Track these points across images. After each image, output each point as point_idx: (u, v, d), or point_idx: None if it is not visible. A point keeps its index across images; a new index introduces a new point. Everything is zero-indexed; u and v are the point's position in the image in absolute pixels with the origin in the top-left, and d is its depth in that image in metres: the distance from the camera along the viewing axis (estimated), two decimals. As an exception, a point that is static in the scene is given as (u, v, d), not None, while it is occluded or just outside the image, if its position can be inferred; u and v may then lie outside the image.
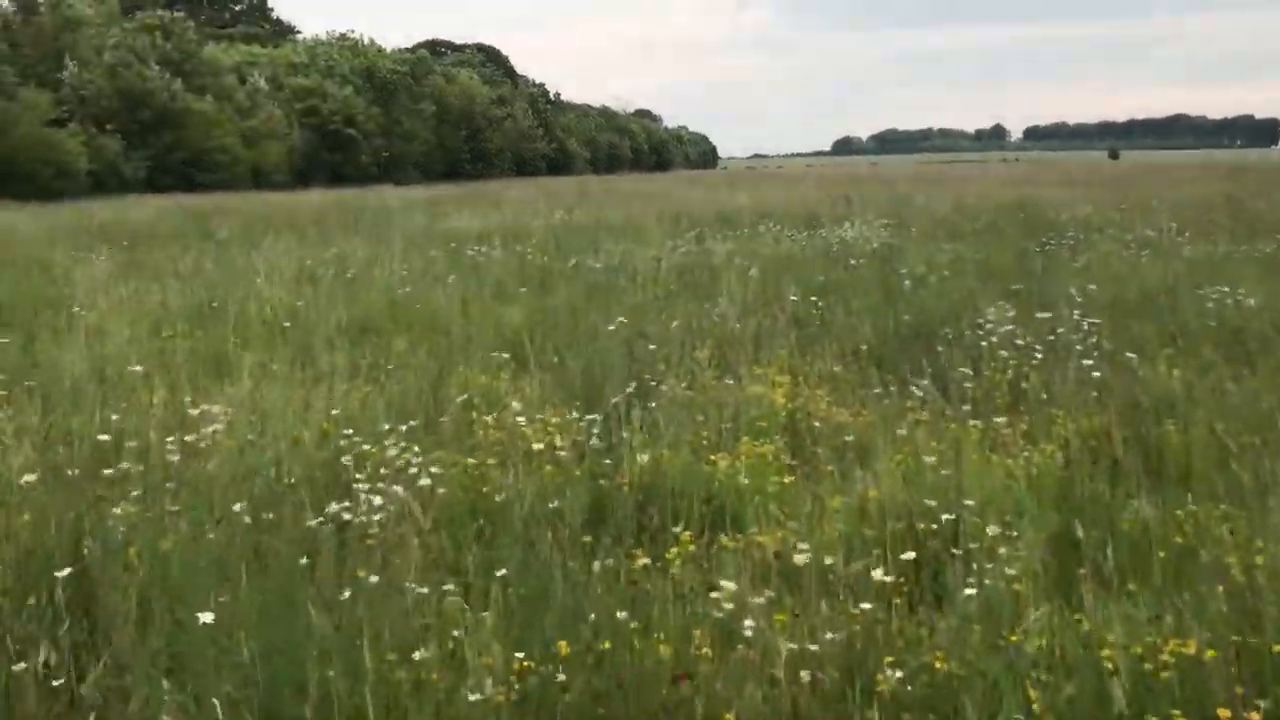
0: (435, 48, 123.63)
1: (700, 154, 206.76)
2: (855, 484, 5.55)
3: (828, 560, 4.39)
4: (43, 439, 5.82)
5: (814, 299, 10.63)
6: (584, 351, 8.19)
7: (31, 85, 53.67)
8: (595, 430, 6.09)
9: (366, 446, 5.70)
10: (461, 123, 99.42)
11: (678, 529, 4.93)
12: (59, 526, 4.25)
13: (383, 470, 5.04)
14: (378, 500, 4.77)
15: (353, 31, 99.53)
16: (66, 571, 3.81)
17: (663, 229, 20.27)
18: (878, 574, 4.11)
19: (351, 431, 5.96)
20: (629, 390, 6.58)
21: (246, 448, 5.58)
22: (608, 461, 5.31)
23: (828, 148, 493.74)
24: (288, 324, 9.92)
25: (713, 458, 5.91)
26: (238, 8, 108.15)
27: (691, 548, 4.75)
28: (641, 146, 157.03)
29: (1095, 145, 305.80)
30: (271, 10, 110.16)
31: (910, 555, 4.41)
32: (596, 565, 4.52)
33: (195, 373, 8.42)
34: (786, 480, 5.65)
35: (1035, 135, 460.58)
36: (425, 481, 4.88)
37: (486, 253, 16.16)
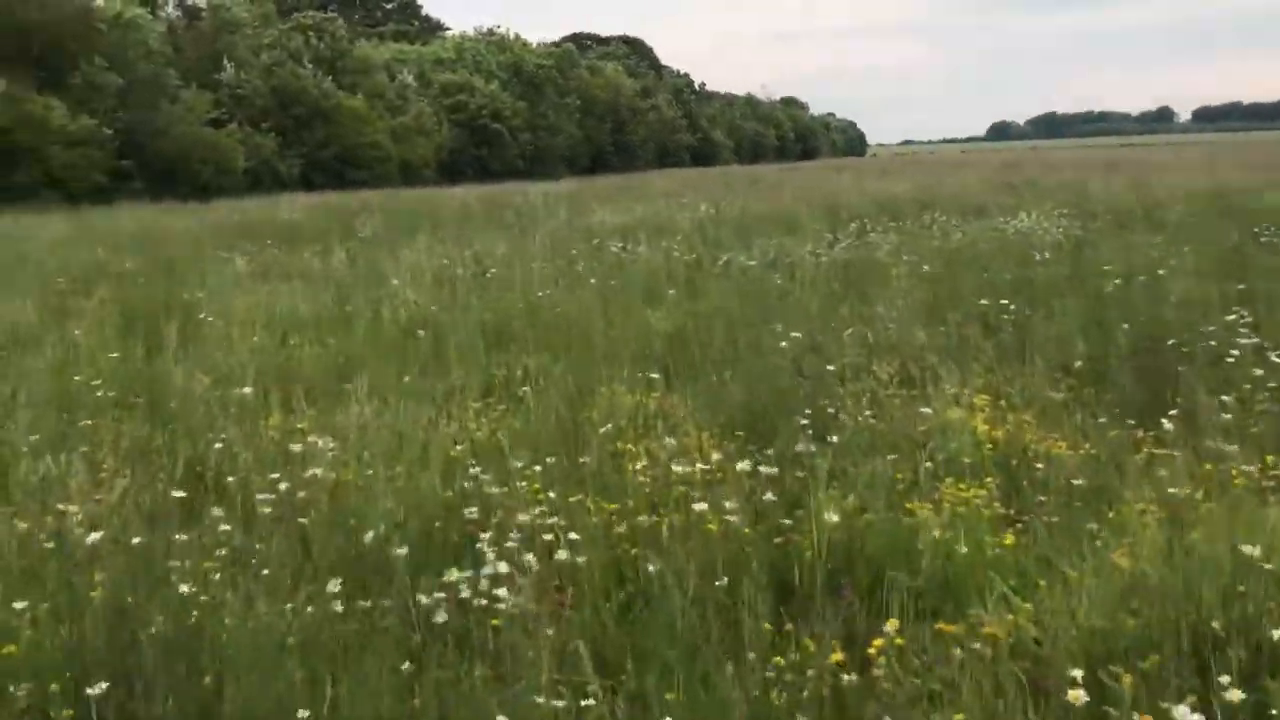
0: (580, 41, 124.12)
1: (848, 141, 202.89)
2: (1097, 542, 4.38)
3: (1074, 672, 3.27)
4: (130, 476, 5.09)
5: (1003, 301, 9.33)
6: (744, 367, 7.14)
7: (192, 87, 55.29)
8: (765, 466, 5.05)
9: (495, 489, 4.79)
10: (606, 115, 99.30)
11: (879, 605, 3.87)
12: (109, 618, 3.43)
13: (513, 533, 4.09)
14: (503, 567, 3.85)
15: (499, 27, 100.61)
16: (103, 687, 2.98)
17: (818, 221, 19.03)
18: (1180, 711, 2.96)
19: (479, 469, 5.06)
20: (802, 421, 5.52)
21: (356, 492, 4.72)
22: (787, 522, 4.26)
23: (982, 133, 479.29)
24: (420, 332, 9.15)
25: (911, 505, 4.81)
26: (388, 6, 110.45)
27: (900, 641, 3.67)
28: (787, 135, 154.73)
29: (1274, 126, 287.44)
30: (421, 7, 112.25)
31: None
32: (781, 661, 3.51)
33: (317, 388, 7.70)
34: (1007, 540, 4.51)
35: (1206, 116, 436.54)
36: (563, 554, 3.93)
37: (631, 249, 15.25)
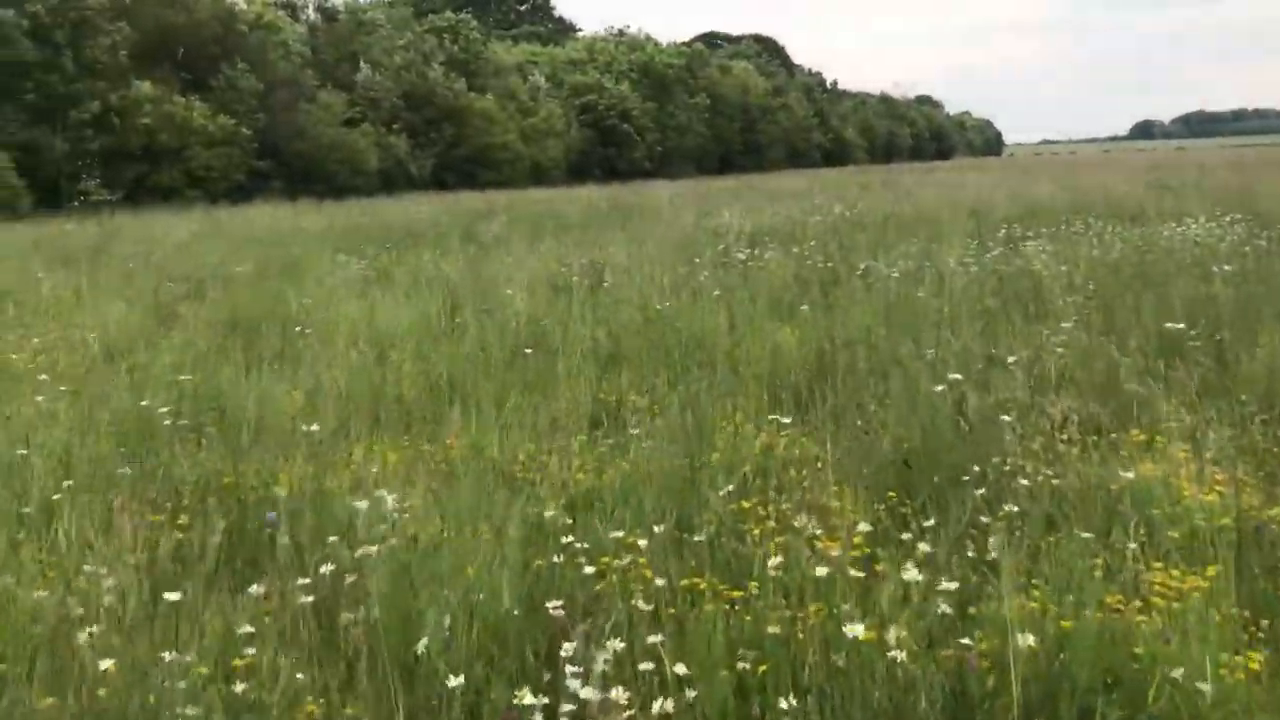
0: (711, 41, 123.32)
1: (984, 140, 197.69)
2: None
3: None
4: (174, 540, 4.37)
5: (1182, 325, 8.06)
6: (894, 404, 6.12)
7: (329, 88, 56.22)
8: (925, 541, 4.06)
9: (589, 568, 3.92)
10: (736, 115, 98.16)
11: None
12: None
13: (608, 644, 3.19)
14: (589, 693, 2.97)
15: (630, 27, 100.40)
16: None
17: (962, 225, 17.71)
18: None
19: (573, 539, 4.20)
20: (975, 486, 4.51)
21: (420, 569, 3.89)
22: (965, 641, 3.26)
23: (1124, 132, 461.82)
24: (528, 350, 8.36)
25: (1113, 599, 3.78)
26: (522, 7, 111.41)
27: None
28: (922, 134, 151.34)
29: None
30: (554, 9, 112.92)
31: None
32: None
33: (412, 412, 6.97)
34: (1252, 664, 3.44)
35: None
36: (679, 668, 3.03)
37: (759, 255, 14.25)
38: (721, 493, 4.62)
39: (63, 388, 7.20)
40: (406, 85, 64.05)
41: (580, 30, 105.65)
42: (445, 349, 8.67)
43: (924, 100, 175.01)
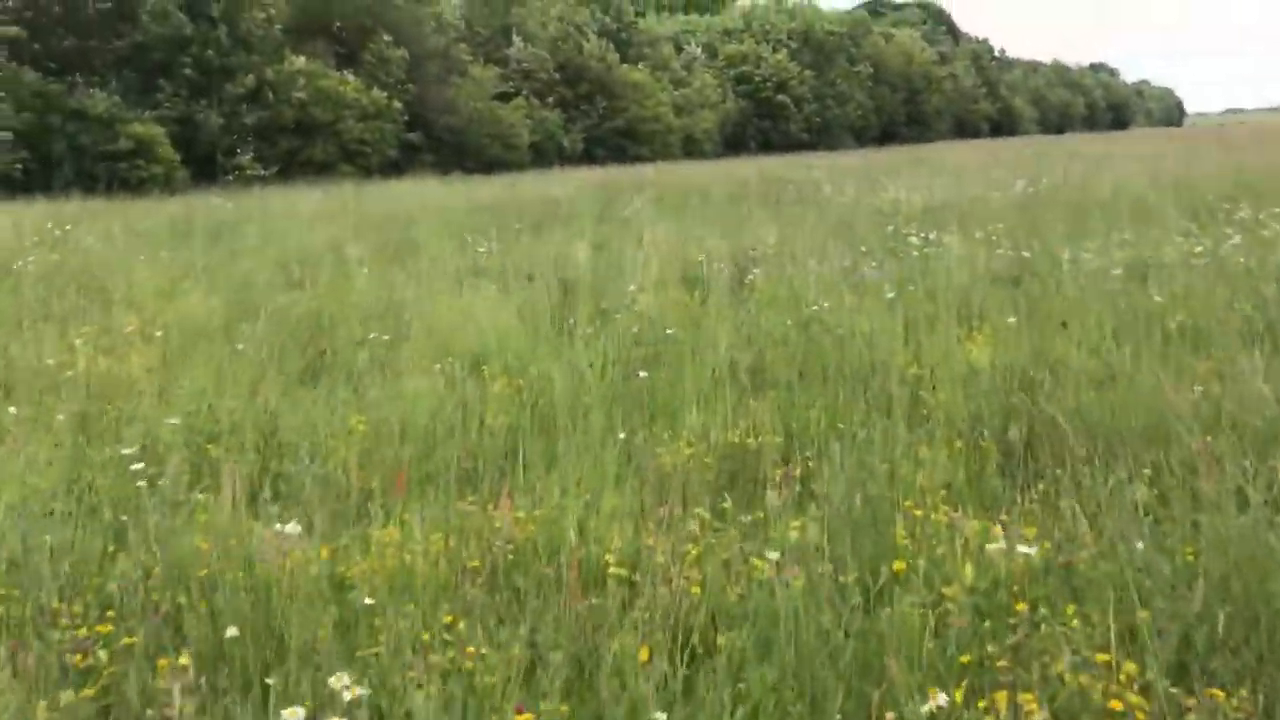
0: (875, 8, 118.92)
1: (1164, 110, 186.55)
2: None
3: None
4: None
5: None
6: (1176, 500, 4.13)
7: (480, 62, 55.51)
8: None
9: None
10: (899, 84, 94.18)
11: None
12: None
13: None
14: None
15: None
16: None
17: (1170, 205, 15.15)
18: None
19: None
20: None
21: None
22: None
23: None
24: (643, 373, 6.60)
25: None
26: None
27: None
28: (1097, 103, 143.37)
29: None
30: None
31: None
32: None
33: (486, 459, 5.34)
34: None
35: None
36: None
37: (935, 240, 12.15)
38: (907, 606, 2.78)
39: (61, 415, 5.80)
40: (560, 58, 62.93)
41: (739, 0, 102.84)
42: (548, 362, 6.99)
43: (1099, 68, 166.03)
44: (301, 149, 45.65)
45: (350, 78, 47.54)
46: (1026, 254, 10.35)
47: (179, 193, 36.02)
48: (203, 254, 14.16)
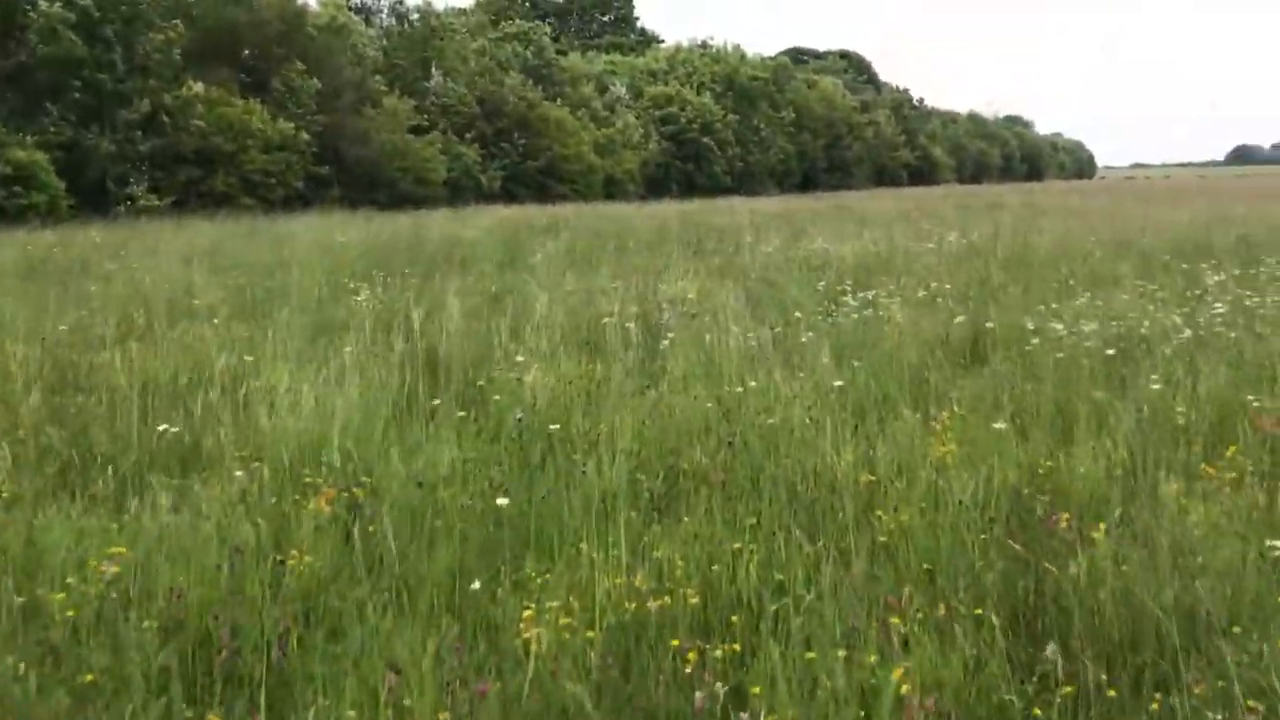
0: (796, 56, 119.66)
1: (1075, 162, 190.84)
2: None
3: None
4: None
5: None
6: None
7: (394, 94, 53.69)
8: None
9: None
10: (821, 131, 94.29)
11: None
12: None
13: None
14: None
15: (714, 38, 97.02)
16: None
17: (1123, 264, 14.00)
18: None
19: None
20: None
21: None
22: None
23: (1221, 157, 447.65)
24: (502, 500, 4.94)
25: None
26: (604, 19, 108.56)
27: None
28: (1013, 154, 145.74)
29: None
30: (637, 20, 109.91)
31: None
32: None
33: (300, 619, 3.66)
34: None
35: None
36: None
37: (875, 302, 10.73)
38: None
39: None
40: (480, 93, 61.33)
41: (663, 42, 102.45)
42: (388, 467, 5.31)
43: (1013, 120, 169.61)
44: (201, 180, 43.28)
45: (256, 106, 45.37)
46: (990, 324, 8.94)
47: (63, 223, 33.51)
48: (36, 297, 12.22)
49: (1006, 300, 10.42)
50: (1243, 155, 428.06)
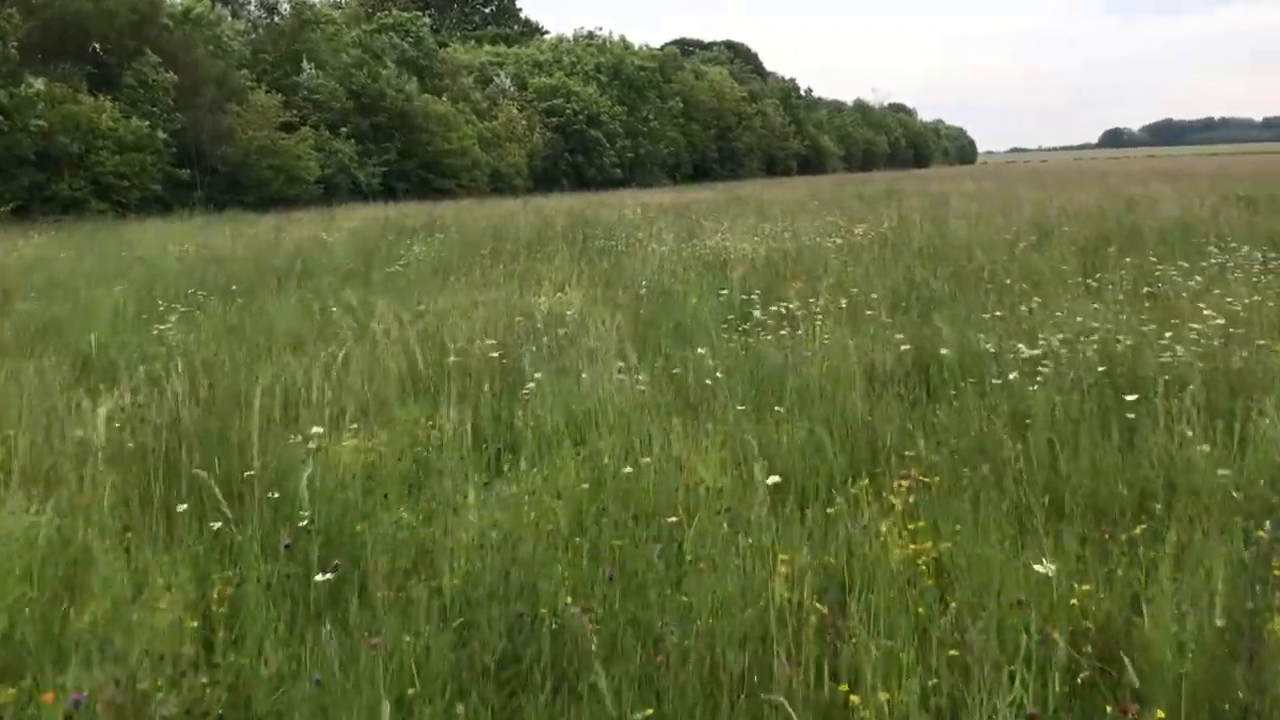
0: (683, 47, 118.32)
1: (958, 148, 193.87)
2: None
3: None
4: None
5: None
6: None
7: (262, 89, 50.45)
8: None
9: None
10: (711, 121, 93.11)
11: None
12: None
13: None
14: None
15: (600, 29, 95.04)
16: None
17: (1054, 255, 12.45)
18: None
19: None
20: None
21: None
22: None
23: (1094, 140, 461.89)
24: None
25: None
26: (486, 10, 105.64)
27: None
28: (899, 142, 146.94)
29: None
30: (520, 10, 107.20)
31: None
32: None
33: None
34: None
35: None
36: None
37: (792, 315, 8.88)
38: None
39: None
40: (354, 86, 58.26)
41: (547, 34, 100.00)
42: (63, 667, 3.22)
43: (898, 108, 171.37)
44: (45, 184, 39.76)
45: (106, 103, 41.91)
46: (926, 339, 7.15)
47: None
48: None
49: (944, 306, 8.68)
50: (1113, 138, 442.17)
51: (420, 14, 69.66)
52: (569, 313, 9.11)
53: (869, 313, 8.54)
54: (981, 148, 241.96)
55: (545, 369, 6.72)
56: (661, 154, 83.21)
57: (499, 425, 5.79)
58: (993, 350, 6.67)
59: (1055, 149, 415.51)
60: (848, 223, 19.70)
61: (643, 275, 12.12)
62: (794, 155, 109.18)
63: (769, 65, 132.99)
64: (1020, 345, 6.76)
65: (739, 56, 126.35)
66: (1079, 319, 7.80)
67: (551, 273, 13.59)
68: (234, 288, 12.24)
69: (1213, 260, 11.62)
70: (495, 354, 7.34)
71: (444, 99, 63.43)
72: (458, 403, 5.89)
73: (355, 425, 5.58)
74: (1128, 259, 11.64)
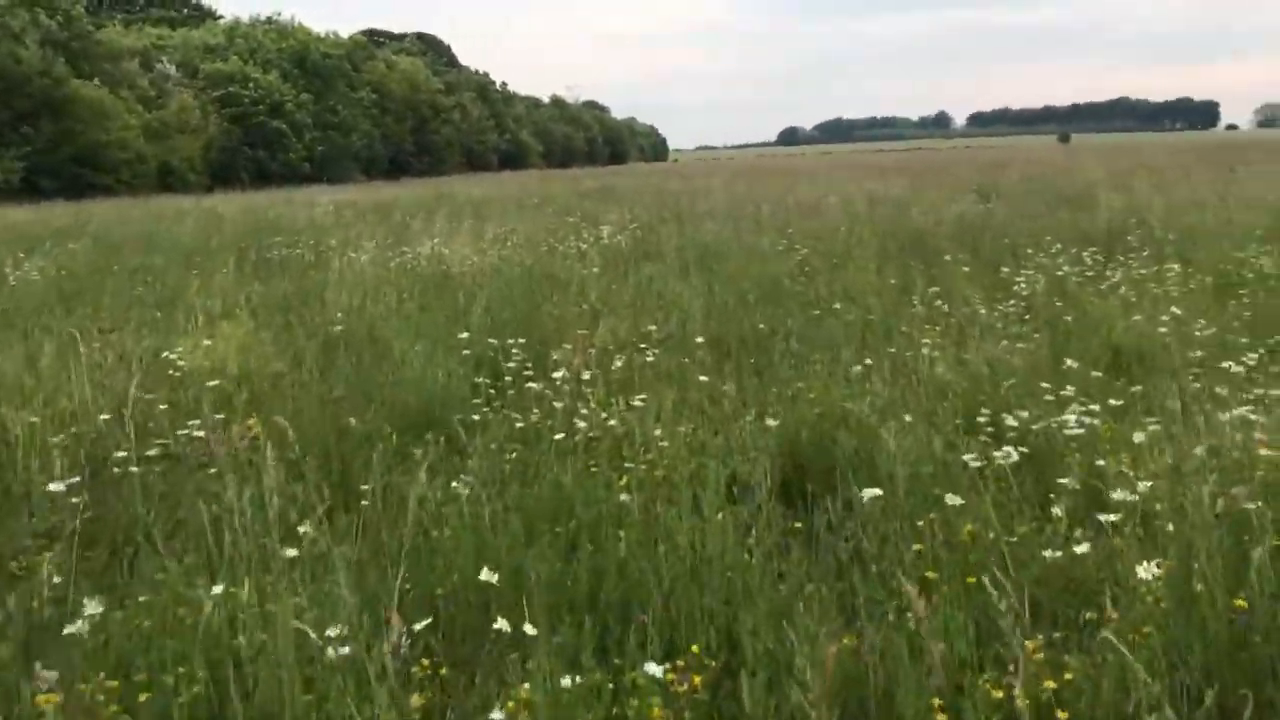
0: (373, 37, 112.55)
1: (653, 146, 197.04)
2: None
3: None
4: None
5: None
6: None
7: None
8: None
9: None
10: (406, 113, 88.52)
11: None
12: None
13: None
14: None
15: (280, 14, 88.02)
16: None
17: (867, 278, 10.09)
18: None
19: None
20: None
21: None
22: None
23: (773, 138, 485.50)
24: None
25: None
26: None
27: None
28: (596, 139, 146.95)
29: (1038, 130, 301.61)
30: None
31: None
32: None
33: None
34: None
35: (979, 121, 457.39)
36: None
37: (564, 386, 5.86)
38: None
39: None
40: (-12, 68, 50.15)
41: (220, 18, 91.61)
42: None
43: (593, 105, 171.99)
44: None
45: None
46: (733, 399, 4.32)
47: None
48: None
49: (784, 350, 5.96)
50: (789, 136, 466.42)
51: (73, -9, 61.27)
52: (212, 382, 5.70)
53: (685, 361, 5.68)
54: (672, 145, 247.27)
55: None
56: (354, 147, 77.97)
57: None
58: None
59: (739, 146, 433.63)
60: (578, 222, 16.92)
61: (335, 303, 8.77)
62: (495, 150, 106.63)
63: (463, 59, 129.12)
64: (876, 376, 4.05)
65: (431, 49, 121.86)
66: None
67: (209, 297, 9.94)
68: None
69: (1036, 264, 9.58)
70: (67, 474, 3.90)
71: (101, 85, 55.90)
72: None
73: None
74: (965, 267, 9.42)
